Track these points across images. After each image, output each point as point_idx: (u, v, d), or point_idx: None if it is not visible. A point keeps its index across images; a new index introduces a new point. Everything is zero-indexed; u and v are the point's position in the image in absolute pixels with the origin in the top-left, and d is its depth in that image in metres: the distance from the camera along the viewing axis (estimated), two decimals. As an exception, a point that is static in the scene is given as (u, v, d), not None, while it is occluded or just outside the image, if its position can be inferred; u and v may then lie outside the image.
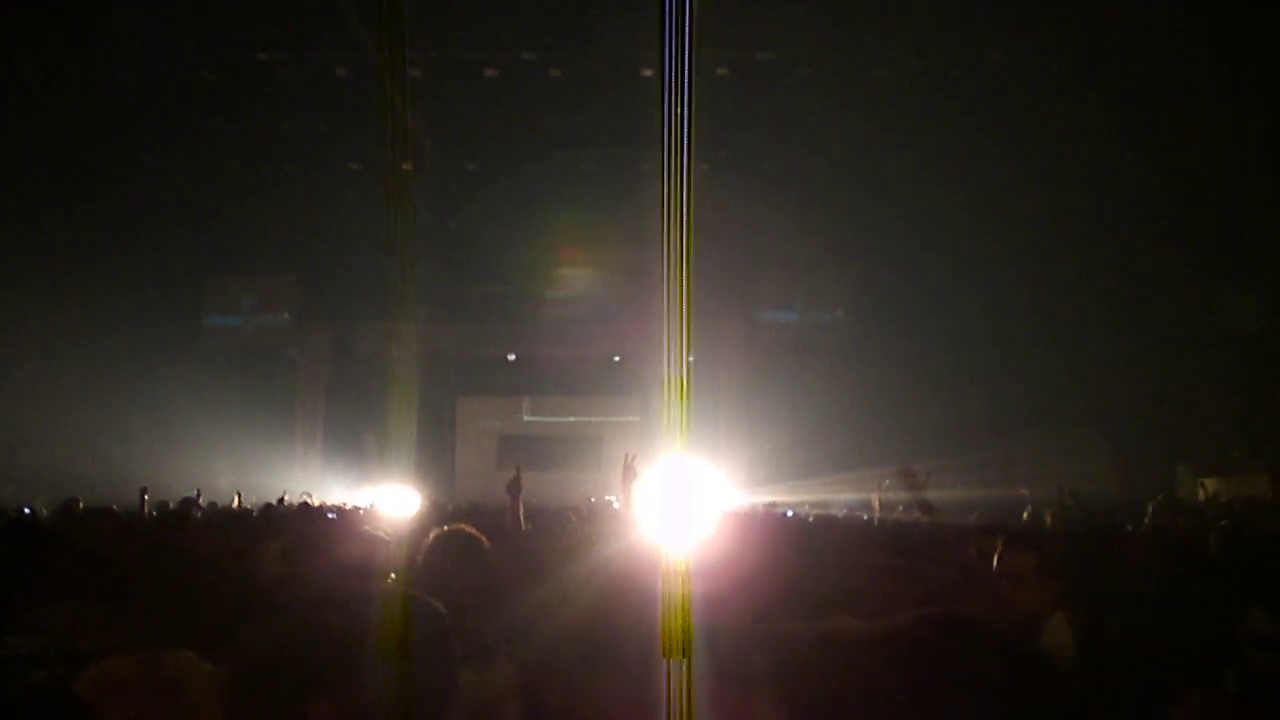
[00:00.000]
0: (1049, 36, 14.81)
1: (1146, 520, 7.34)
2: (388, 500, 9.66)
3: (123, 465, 17.79)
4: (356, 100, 17.09)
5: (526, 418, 24.20)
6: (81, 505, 7.72)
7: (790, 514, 11.37)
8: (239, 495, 11.75)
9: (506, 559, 3.99)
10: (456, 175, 20.82)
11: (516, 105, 17.28)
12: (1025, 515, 8.60)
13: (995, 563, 3.79)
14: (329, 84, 16.75)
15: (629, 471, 5.06)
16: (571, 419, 24.15)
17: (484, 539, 3.94)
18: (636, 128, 14.97)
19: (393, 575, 3.66)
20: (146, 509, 9.73)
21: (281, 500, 11.09)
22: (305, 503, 9.89)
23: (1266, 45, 13.31)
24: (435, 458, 22.48)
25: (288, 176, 20.25)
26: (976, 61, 16.08)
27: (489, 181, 20.39)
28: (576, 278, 21.65)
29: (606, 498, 16.86)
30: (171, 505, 10.52)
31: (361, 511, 9.61)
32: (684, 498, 3.90)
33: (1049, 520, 7.87)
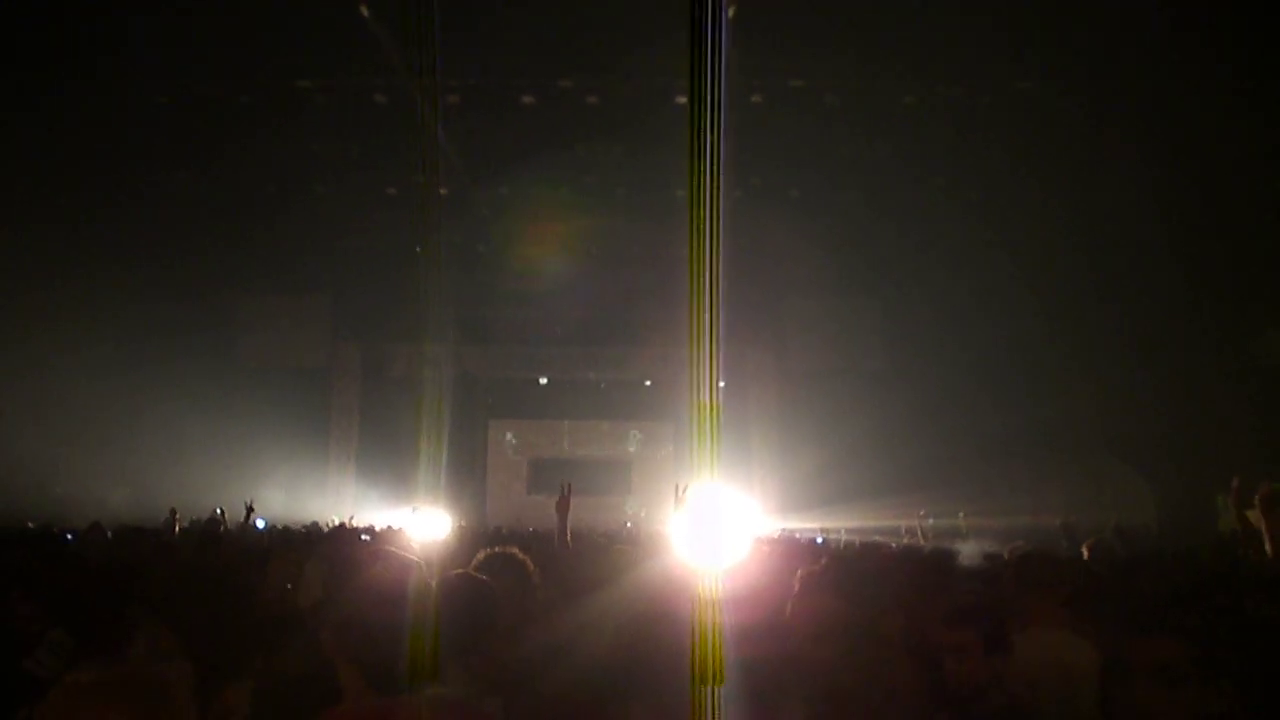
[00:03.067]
0: (1079, 66, 14.75)
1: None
2: (420, 523, 9.69)
3: (154, 486, 17.97)
4: (394, 125, 17.30)
5: (558, 441, 24.24)
6: (109, 533, 7.80)
7: (820, 540, 11.30)
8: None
9: (550, 582, 4.00)
10: (490, 199, 20.99)
11: (552, 131, 17.42)
12: (1064, 546, 8.49)
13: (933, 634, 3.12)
14: (367, 109, 16.97)
15: (682, 502, 5.04)
16: (603, 443, 24.16)
17: (530, 563, 3.93)
18: (670, 154, 15.05)
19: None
20: (177, 528, 9.84)
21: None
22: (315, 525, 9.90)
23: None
24: (467, 481, 22.55)
25: (325, 198, 20.49)
26: (1006, 90, 16.04)
27: (523, 206, 20.53)
28: (609, 301, 21.71)
29: (639, 520, 16.88)
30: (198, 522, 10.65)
31: (394, 533, 9.64)
32: (715, 524, 3.90)
33: (1085, 553, 7.75)
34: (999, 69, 15.41)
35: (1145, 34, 13.27)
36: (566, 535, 5.47)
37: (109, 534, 7.86)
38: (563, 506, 5.48)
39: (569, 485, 5.53)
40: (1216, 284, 16.53)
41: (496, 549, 4.01)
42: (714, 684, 2.31)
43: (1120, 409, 17.20)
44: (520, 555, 3.94)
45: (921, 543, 10.08)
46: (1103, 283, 17.47)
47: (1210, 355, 16.93)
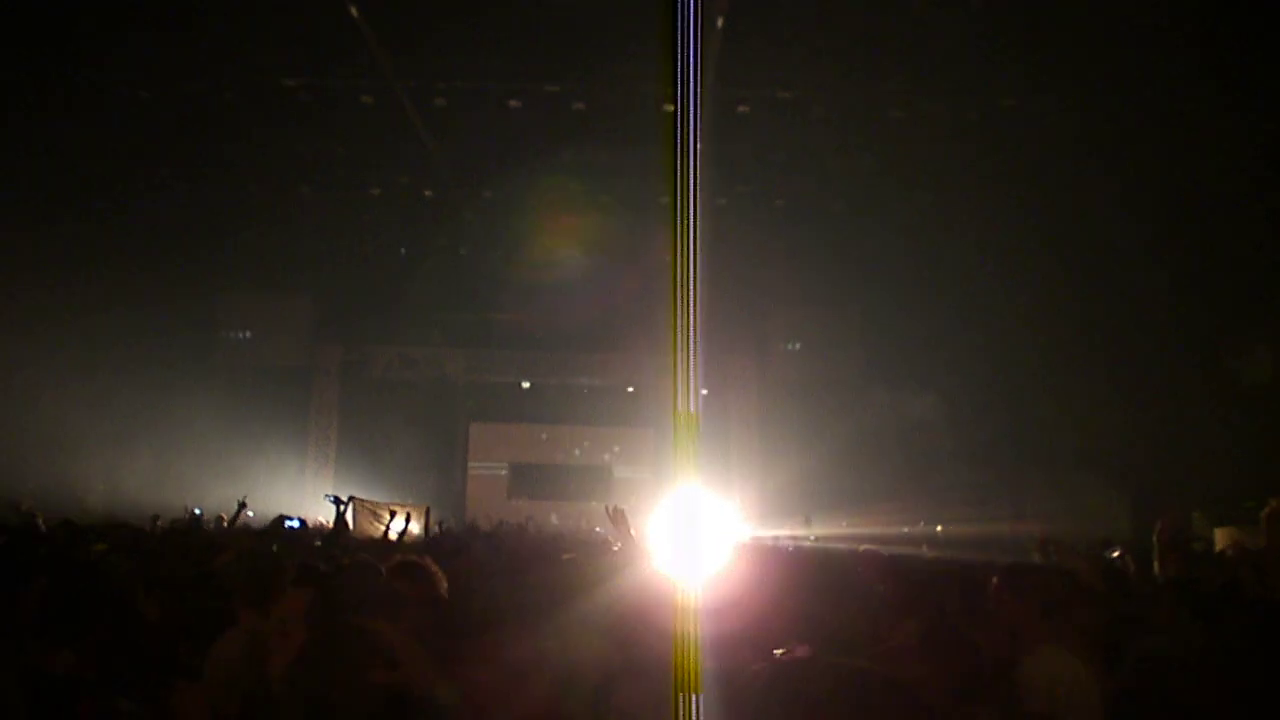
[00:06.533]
0: (1064, 82, 14.87)
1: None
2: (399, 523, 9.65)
3: (133, 483, 17.82)
4: (379, 126, 17.25)
5: (539, 446, 24.16)
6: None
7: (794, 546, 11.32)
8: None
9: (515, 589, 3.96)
10: (475, 202, 20.97)
11: (538, 136, 17.42)
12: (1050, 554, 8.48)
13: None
14: (353, 110, 16.91)
15: (618, 517, 5.10)
16: (583, 449, 24.09)
17: (439, 574, 3.79)
18: (656, 161, 15.05)
19: None
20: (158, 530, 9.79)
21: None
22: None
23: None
24: (447, 484, 22.47)
25: (308, 199, 20.42)
26: (989, 105, 16.16)
27: (507, 210, 20.51)
28: (592, 306, 21.68)
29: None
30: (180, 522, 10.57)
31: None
32: (694, 531, 3.90)
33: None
34: (984, 83, 15.53)
35: (1128, 51, 13.39)
36: (629, 533, 5.40)
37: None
38: (619, 518, 5.39)
39: (615, 507, 5.49)
40: (1197, 300, 16.67)
41: (409, 556, 3.94)
42: (692, 691, 2.32)
43: (1099, 422, 17.31)
44: (428, 565, 3.84)
45: (925, 552, 10.05)
46: (1084, 296, 17.59)
47: (1189, 371, 17.07)
